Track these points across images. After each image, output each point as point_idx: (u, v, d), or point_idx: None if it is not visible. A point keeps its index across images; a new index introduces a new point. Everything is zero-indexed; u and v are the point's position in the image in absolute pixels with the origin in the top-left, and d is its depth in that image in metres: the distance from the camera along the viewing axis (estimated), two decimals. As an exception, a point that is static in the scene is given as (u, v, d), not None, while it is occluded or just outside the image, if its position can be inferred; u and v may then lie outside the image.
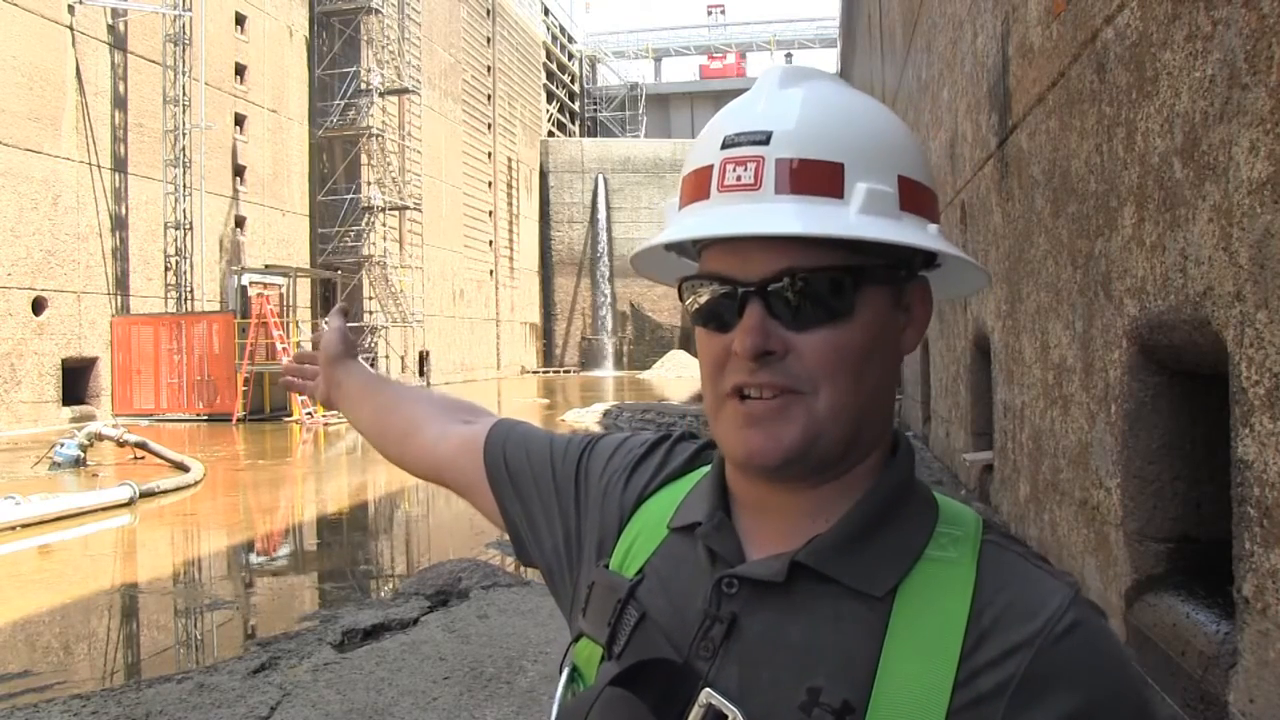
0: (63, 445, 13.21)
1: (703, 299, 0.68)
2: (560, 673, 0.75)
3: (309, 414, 20.90)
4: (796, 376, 0.65)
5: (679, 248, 0.73)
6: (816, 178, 0.63)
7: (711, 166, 0.66)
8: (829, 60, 62.09)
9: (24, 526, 8.78)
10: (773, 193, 0.63)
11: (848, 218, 0.63)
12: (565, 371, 50.28)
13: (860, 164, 0.64)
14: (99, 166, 21.47)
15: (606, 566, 0.77)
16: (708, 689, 0.64)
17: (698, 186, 0.67)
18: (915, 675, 0.60)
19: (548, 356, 52.50)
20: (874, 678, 0.61)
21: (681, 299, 0.71)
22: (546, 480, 0.88)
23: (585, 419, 20.23)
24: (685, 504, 0.76)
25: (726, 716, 0.63)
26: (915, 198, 0.67)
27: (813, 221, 0.62)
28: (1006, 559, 0.65)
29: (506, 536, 0.90)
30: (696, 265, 0.71)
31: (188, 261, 23.82)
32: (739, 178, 0.64)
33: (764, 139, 0.64)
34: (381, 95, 31.13)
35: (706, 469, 0.79)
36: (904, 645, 0.61)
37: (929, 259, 0.71)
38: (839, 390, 0.65)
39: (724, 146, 0.66)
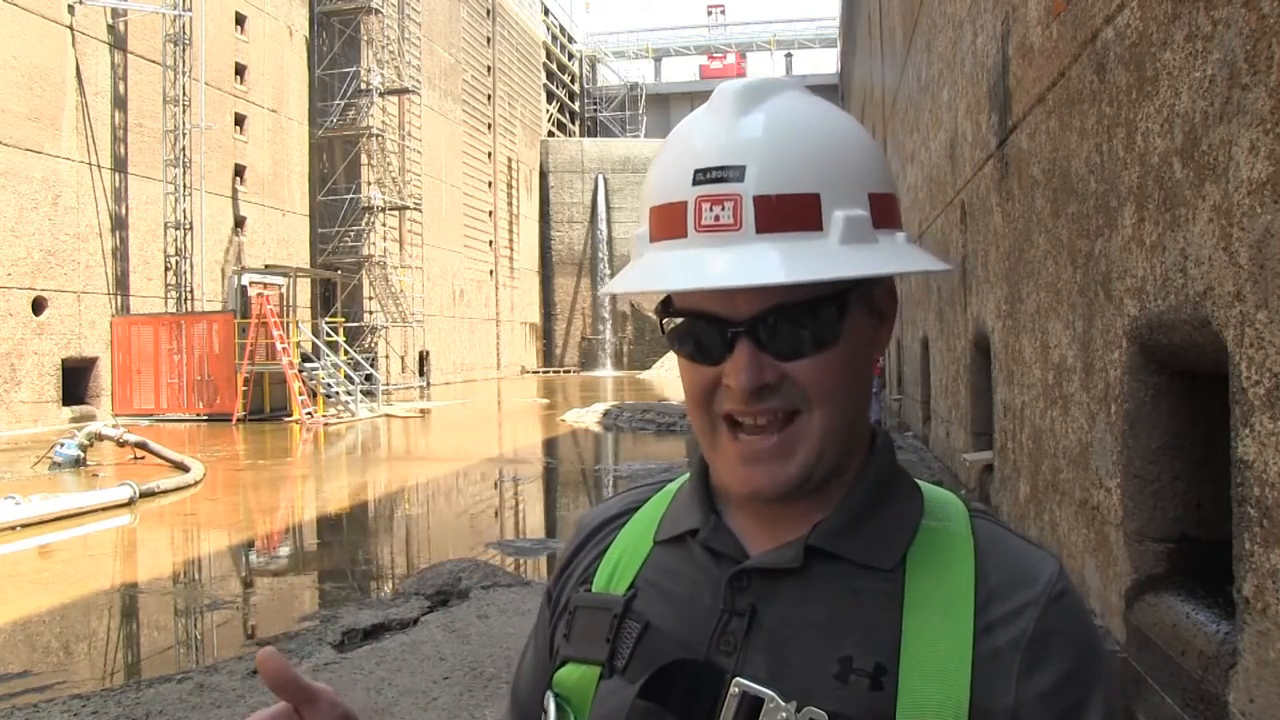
0: (63, 445, 13.22)
1: (687, 332, 0.68)
2: (545, 708, 0.73)
3: (309, 414, 20.91)
4: (795, 399, 0.67)
5: None
6: (795, 213, 0.63)
7: (686, 204, 0.65)
8: (829, 60, 62.16)
9: (24, 526, 8.79)
10: (754, 232, 0.63)
11: (831, 251, 0.63)
12: (565, 371, 50.29)
13: (835, 191, 0.64)
14: (99, 166, 21.47)
15: (589, 590, 0.77)
16: (737, 678, 0.64)
17: (672, 222, 0.66)
18: (938, 633, 0.64)
19: (548, 356, 52.50)
20: (899, 640, 0.64)
21: (662, 330, 0.71)
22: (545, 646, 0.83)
23: (585, 419, 20.22)
24: (670, 516, 0.77)
25: (762, 701, 0.63)
26: (884, 211, 0.67)
27: (800, 265, 0.62)
28: (996, 530, 0.70)
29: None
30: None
31: (188, 261, 23.83)
32: (717, 217, 0.64)
33: (738, 175, 0.63)
34: (381, 95, 31.14)
35: (674, 485, 0.80)
36: (923, 607, 0.65)
37: None
38: (832, 410, 0.67)
39: (696, 182, 0.65)
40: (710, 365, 0.67)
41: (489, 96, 44.77)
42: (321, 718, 0.67)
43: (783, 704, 0.62)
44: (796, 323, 0.65)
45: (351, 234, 30.74)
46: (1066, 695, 0.63)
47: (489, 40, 44.95)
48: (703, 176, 0.64)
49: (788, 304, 0.64)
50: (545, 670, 0.79)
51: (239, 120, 26.61)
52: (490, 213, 44.49)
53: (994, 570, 0.66)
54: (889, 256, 0.66)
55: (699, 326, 0.67)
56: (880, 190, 0.67)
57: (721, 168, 0.64)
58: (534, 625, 0.85)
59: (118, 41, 22.12)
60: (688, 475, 0.79)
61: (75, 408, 20.40)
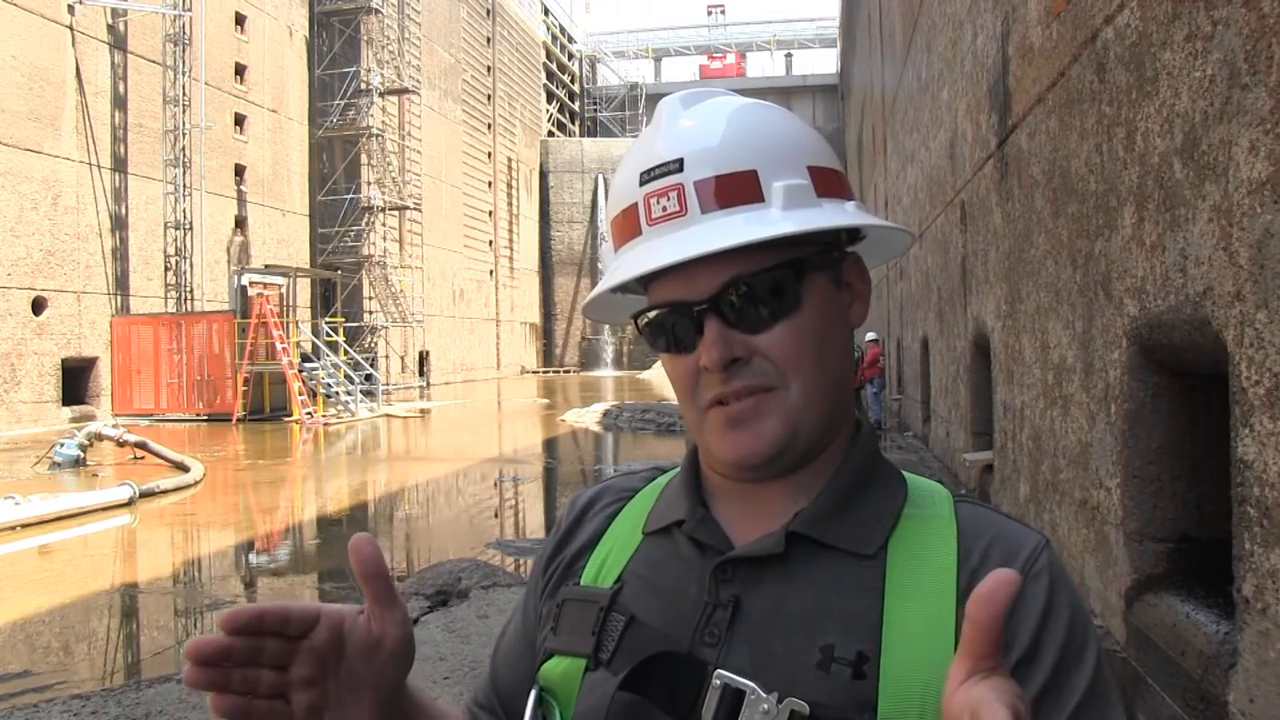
0: (63, 445, 13.22)
1: (659, 325, 0.71)
2: (526, 698, 0.73)
3: (309, 414, 20.91)
4: (767, 374, 0.68)
5: (626, 286, 0.74)
6: (735, 189, 0.67)
7: (636, 204, 0.69)
8: (829, 60, 62.13)
9: (24, 526, 8.79)
10: (699, 213, 0.67)
11: (773, 218, 0.66)
12: (565, 371, 50.30)
13: (771, 165, 0.68)
14: (99, 166, 21.47)
15: (577, 584, 0.77)
16: (719, 670, 0.65)
17: (628, 226, 0.71)
18: (920, 616, 0.64)
19: (547, 356, 52.50)
20: (881, 626, 0.64)
21: (640, 332, 0.73)
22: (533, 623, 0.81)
23: (585, 419, 20.22)
24: (659, 508, 0.78)
25: (744, 693, 0.63)
26: (828, 182, 0.70)
27: (743, 230, 0.65)
28: (980, 511, 0.71)
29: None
30: (645, 297, 0.73)
31: (188, 261, 23.83)
32: (664, 208, 0.68)
33: (678, 166, 0.67)
34: (381, 95, 31.14)
35: (664, 479, 0.81)
36: (904, 592, 0.65)
37: (854, 233, 0.75)
38: (806, 377, 0.68)
39: (642, 183, 0.69)
40: (687, 354, 0.69)
41: (489, 96, 44.77)
42: (395, 630, 0.64)
43: (764, 695, 0.62)
44: (758, 296, 0.67)
45: (351, 234, 30.74)
46: (1054, 664, 0.63)
47: (489, 40, 44.95)
48: (647, 176, 0.69)
49: (745, 275, 0.66)
50: (528, 638, 0.79)
51: (239, 120, 26.61)
52: (490, 213, 44.49)
53: (976, 549, 0.67)
54: (831, 215, 0.68)
55: (668, 316, 0.70)
56: (820, 164, 0.70)
57: (662, 164, 0.68)
58: (522, 597, 0.85)
59: (118, 41, 22.12)
60: (677, 469, 0.80)
61: (75, 408, 20.40)
